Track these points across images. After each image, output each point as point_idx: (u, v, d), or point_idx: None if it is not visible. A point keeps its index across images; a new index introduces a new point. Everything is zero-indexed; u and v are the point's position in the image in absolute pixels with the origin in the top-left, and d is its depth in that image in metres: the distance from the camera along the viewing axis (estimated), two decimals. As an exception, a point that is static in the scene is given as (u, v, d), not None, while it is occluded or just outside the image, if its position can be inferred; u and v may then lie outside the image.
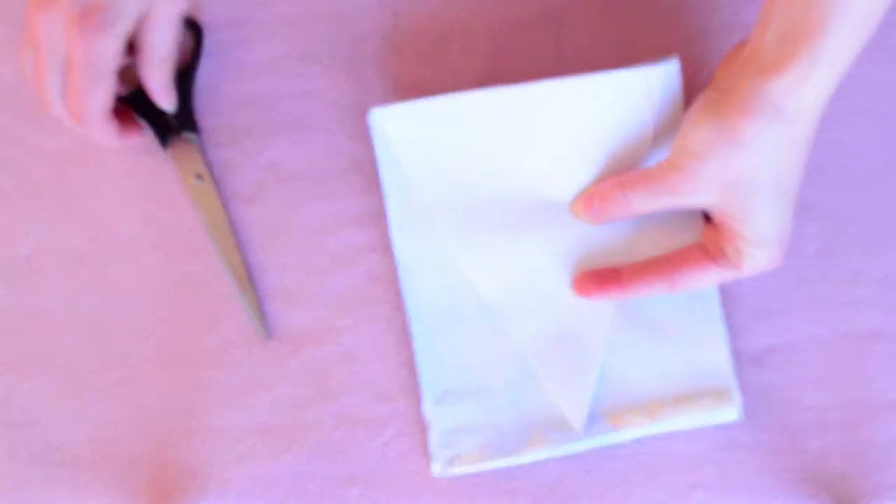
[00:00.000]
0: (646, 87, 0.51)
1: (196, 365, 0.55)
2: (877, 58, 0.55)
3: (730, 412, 0.52)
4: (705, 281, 0.50)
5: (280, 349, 0.55)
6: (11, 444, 0.55)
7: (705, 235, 0.51)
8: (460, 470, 0.52)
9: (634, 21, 0.56)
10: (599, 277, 0.52)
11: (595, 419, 0.52)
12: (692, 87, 0.54)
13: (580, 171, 0.52)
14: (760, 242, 0.47)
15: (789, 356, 0.54)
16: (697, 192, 0.47)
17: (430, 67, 0.56)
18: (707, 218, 0.51)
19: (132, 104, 0.54)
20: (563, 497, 0.54)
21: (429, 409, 0.53)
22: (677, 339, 0.53)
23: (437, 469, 0.52)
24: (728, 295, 0.54)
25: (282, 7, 0.56)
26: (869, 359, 0.54)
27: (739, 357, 0.54)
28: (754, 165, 0.45)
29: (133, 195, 0.56)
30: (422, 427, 0.54)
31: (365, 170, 0.55)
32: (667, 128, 0.52)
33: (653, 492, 0.54)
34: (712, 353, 0.52)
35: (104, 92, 0.49)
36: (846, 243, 0.55)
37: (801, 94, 0.44)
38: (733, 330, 0.54)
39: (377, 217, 0.55)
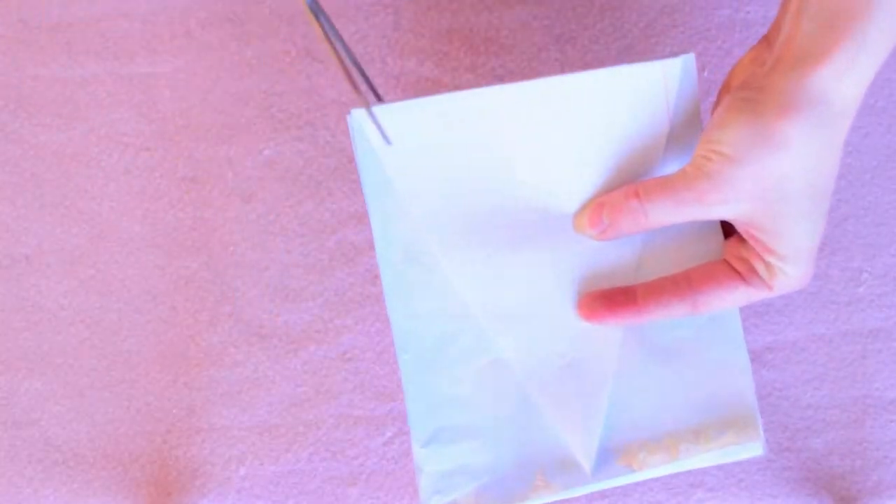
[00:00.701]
0: (661, 81, 0.46)
1: (196, 364, 0.55)
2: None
3: (754, 448, 0.47)
4: (732, 301, 0.45)
5: (280, 348, 0.55)
6: (11, 443, 0.55)
7: (728, 250, 0.46)
8: None
9: (635, 20, 0.55)
10: (610, 299, 0.46)
11: (606, 457, 0.47)
12: (692, 86, 0.54)
13: (587, 177, 0.46)
14: (792, 258, 0.43)
15: (790, 354, 0.54)
16: (728, 202, 0.42)
17: (430, 66, 0.56)
18: (727, 230, 0.47)
19: None
20: (563, 496, 0.54)
21: (418, 450, 0.46)
22: (694, 365, 0.47)
23: None
24: (728, 293, 0.54)
25: (281, 3, 0.56)
26: (869, 357, 0.54)
27: (740, 356, 0.54)
28: (792, 170, 0.41)
29: (133, 194, 0.56)
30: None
31: (364, 168, 0.55)
32: (683, 128, 0.47)
33: (653, 491, 0.54)
34: (734, 381, 0.47)
35: None
36: (846, 241, 0.55)
37: (845, 83, 0.40)
38: (733, 328, 0.54)
39: (377, 216, 0.55)
